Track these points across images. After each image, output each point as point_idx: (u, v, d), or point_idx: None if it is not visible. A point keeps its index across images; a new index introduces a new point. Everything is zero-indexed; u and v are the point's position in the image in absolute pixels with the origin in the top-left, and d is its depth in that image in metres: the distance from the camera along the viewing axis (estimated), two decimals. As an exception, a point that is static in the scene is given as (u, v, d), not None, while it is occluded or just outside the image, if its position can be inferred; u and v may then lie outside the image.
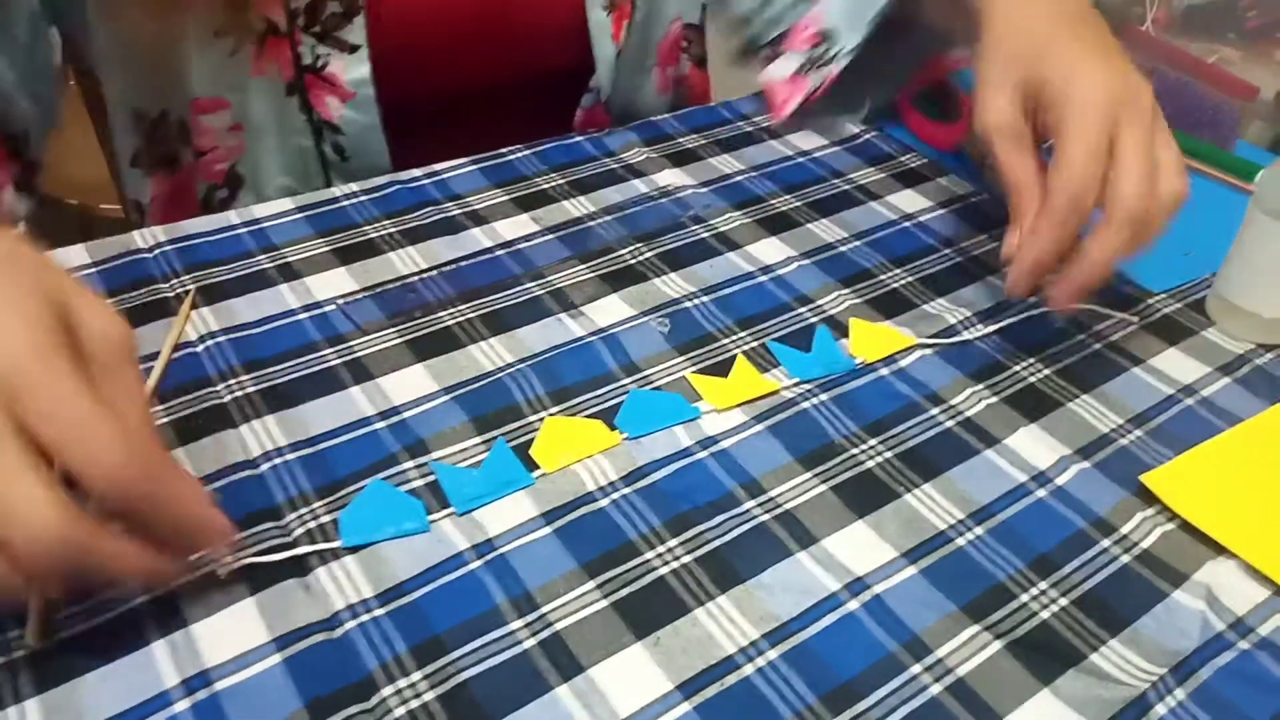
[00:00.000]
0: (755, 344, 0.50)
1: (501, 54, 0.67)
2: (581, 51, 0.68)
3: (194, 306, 0.51)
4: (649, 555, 0.40)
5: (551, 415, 0.45)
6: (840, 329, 0.52)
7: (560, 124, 0.69)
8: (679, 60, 0.77)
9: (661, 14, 0.73)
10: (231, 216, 0.57)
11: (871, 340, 0.51)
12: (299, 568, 0.38)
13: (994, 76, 0.50)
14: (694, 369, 0.49)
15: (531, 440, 0.44)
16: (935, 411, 0.47)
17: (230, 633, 0.36)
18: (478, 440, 0.44)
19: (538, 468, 0.43)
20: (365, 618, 0.37)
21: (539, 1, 0.67)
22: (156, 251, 0.54)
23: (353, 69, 0.61)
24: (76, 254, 0.54)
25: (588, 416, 0.46)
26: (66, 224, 1.34)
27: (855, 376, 0.49)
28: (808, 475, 0.44)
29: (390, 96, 0.63)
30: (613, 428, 0.45)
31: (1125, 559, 0.41)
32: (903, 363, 0.50)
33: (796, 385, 0.48)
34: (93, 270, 0.53)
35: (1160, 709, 0.36)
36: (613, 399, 0.47)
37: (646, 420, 0.45)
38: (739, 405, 0.47)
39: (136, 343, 0.34)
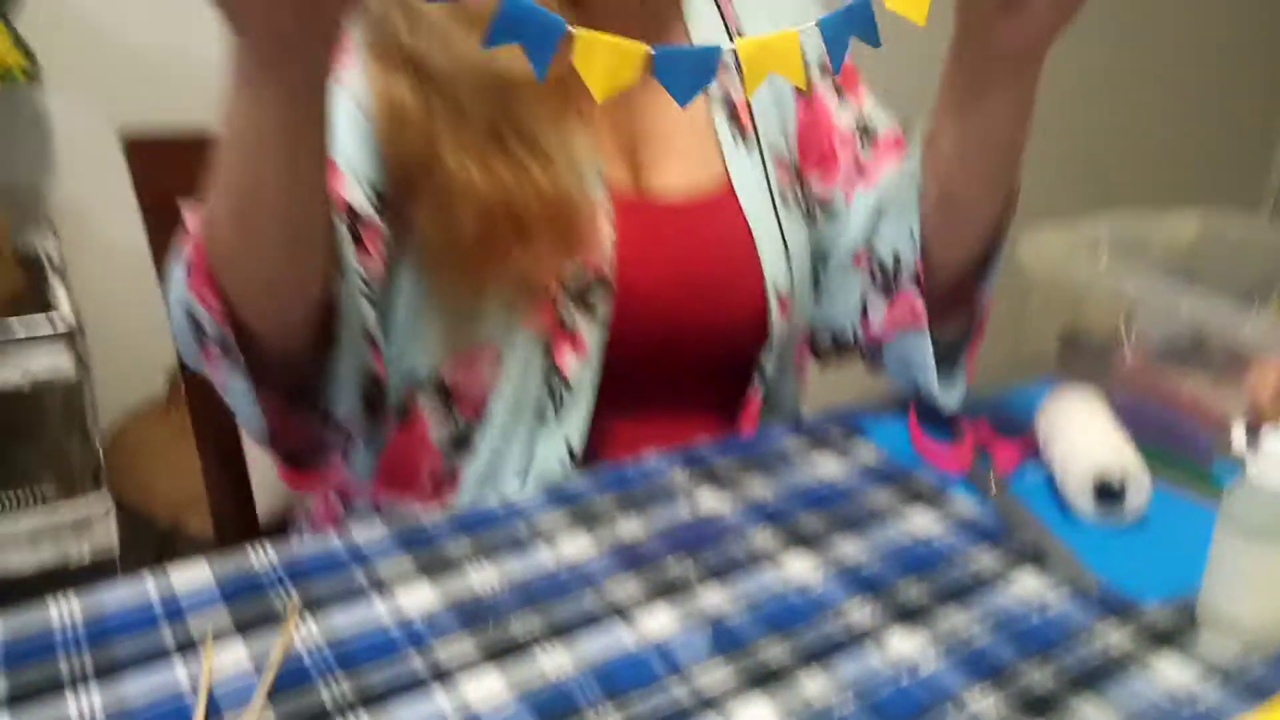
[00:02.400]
0: (793, 652, 0.57)
1: (701, 329, 0.81)
2: (757, 334, 0.83)
3: (299, 616, 0.59)
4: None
5: None
6: (865, 636, 0.58)
7: (724, 407, 0.84)
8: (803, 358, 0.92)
9: (804, 312, 0.88)
10: (334, 540, 0.66)
11: None
12: None
13: None
14: (737, 678, 0.55)
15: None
16: (953, 714, 0.53)
17: None
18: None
19: None
20: None
21: (731, 290, 0.82)
22: (268, 569, 0.63)
23: (592, 332, 0.76)
24: (199, 570, 0.62)
25: None
26: (148, 537, 1.44)
27: (881, 685, 0.55)
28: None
29: (609, 358, 0.77)
30: None
31: None
32: (921, 671, 0.56)
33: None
34: (213, 584, 0.61)
35: None
36: (666, 706, 0.53)
37: None
38: None
39: None
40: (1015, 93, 0.70)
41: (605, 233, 0.76)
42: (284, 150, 0.55)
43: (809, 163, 0.89)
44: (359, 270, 0.68)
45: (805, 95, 0.88)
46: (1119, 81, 2.29)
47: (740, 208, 0.82)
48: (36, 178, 1.49)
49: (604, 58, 0.53)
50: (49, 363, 1.20)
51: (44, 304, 1.28)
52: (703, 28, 0.85)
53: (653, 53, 0.54)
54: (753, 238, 0.82)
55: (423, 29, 0.70)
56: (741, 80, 0.83)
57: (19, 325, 1.21)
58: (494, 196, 0.70)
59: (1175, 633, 0.60)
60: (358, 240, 0.69)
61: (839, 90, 0.89)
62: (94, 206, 1.51)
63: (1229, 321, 0.88)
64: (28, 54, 1.30)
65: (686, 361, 0.83)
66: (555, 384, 0.77)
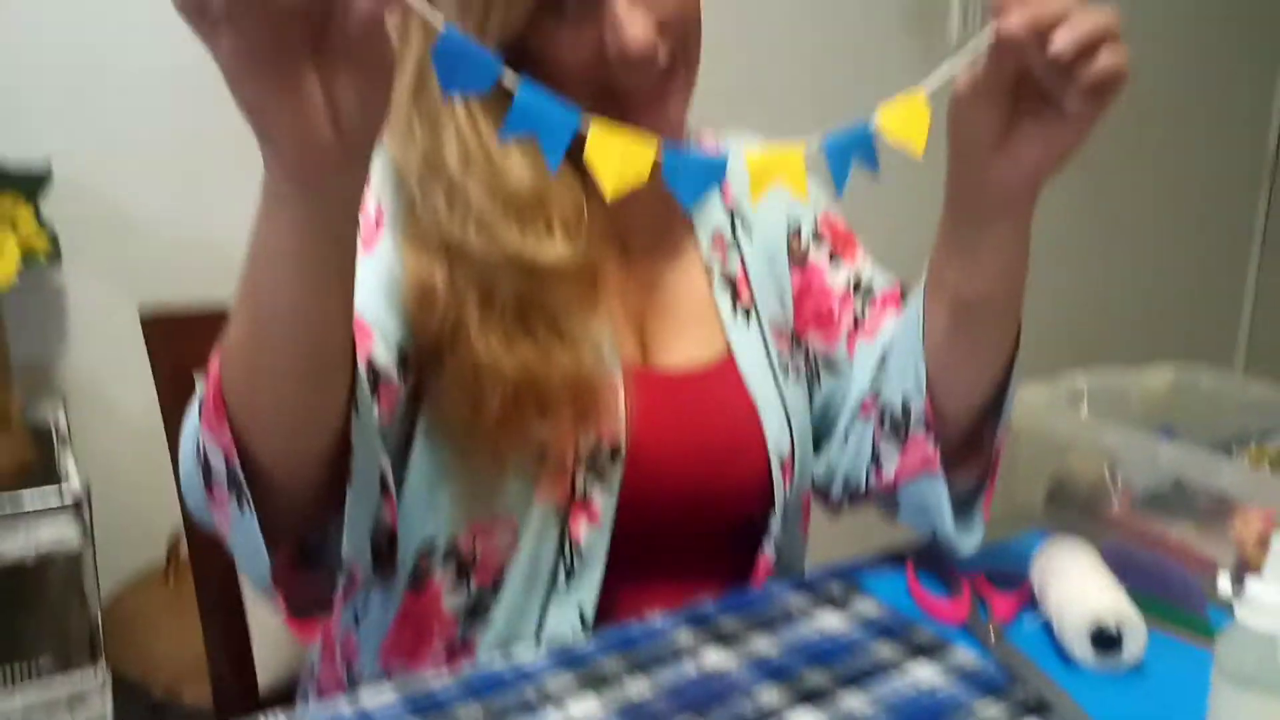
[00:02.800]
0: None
1: (707, 496, 0.84)
2: (760, 499, 0.85)
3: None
4: None
5: None
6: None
7: (733, 570, 0.86)
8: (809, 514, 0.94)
9: (806, 476, 0.91)
10: (343, 706, 0.67)
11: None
12: None
13: None
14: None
15: None
16: None
17: None
18: None
19: None
20: None
21: (735, 458, 0.84)
22: (281, 738, 0.63)
23: (605, 501, 0.78)
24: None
25: None
26: (141, 712, 1.42)
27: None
28: None
29: (620, 524, 0.79)
30: None
31: None
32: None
33: None
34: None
35: None
36: None
37: None
38: None
39: None
40: (1011, 228, 0.72)
41: (619, 404, 0.79)
42: (307, 272, 0.55)
43: (808, 324, 0.93)
44: (376, 418, 0.67)
45: (800, 264, 0.93)
46: (1091, 242, 2.39)
47: (742, 379, 0.86)
48: (52, 352, 1.54)
49: (617, 154, 0.56)
50: (55, 534, 1.22)
51: (52, 475, 1.30)
52: (704, 212, 0.90)
53: (663, 154, 0.57)
54: (755, 407, 0.85)
55: (459, 211, 0.73)
56: (740, 251, 0.89)
57: (29, 497, 1.23)
58: (518, 376, 0.73)
59: (1181, 782, 0.61)
60: (376, 392, 0.69)
61: (834, 256, 0.94)
62: (105, 378, 1.55)
63: (1208, 470, 0.91)
64: (51, 237, 1.37)
65: (695, 527, 0.85)
66: (569, 552, 0.79)
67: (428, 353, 0.75)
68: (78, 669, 1.28)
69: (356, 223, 0.57)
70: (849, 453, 0.90)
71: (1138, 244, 2.49)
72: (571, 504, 0.78)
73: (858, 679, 0.71)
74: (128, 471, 1.45)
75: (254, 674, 0.98)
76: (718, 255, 0.89)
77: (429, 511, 0.79)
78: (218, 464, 0.59)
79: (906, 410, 0.81)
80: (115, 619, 1.46)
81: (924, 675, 0.72)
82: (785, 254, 0.93)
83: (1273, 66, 2.63)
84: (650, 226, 0.87)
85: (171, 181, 1.55)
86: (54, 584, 1.31)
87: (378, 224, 0.77)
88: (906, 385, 0.80)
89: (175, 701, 1.35)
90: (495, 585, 0.79)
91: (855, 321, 0.91)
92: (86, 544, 1.25)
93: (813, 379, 0.93)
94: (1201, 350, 2.55)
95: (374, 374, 0.69)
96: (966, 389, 0.79)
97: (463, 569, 0.80)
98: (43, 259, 1.35)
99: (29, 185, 1.37)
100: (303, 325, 0.56)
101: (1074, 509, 1.01)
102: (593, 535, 0.79)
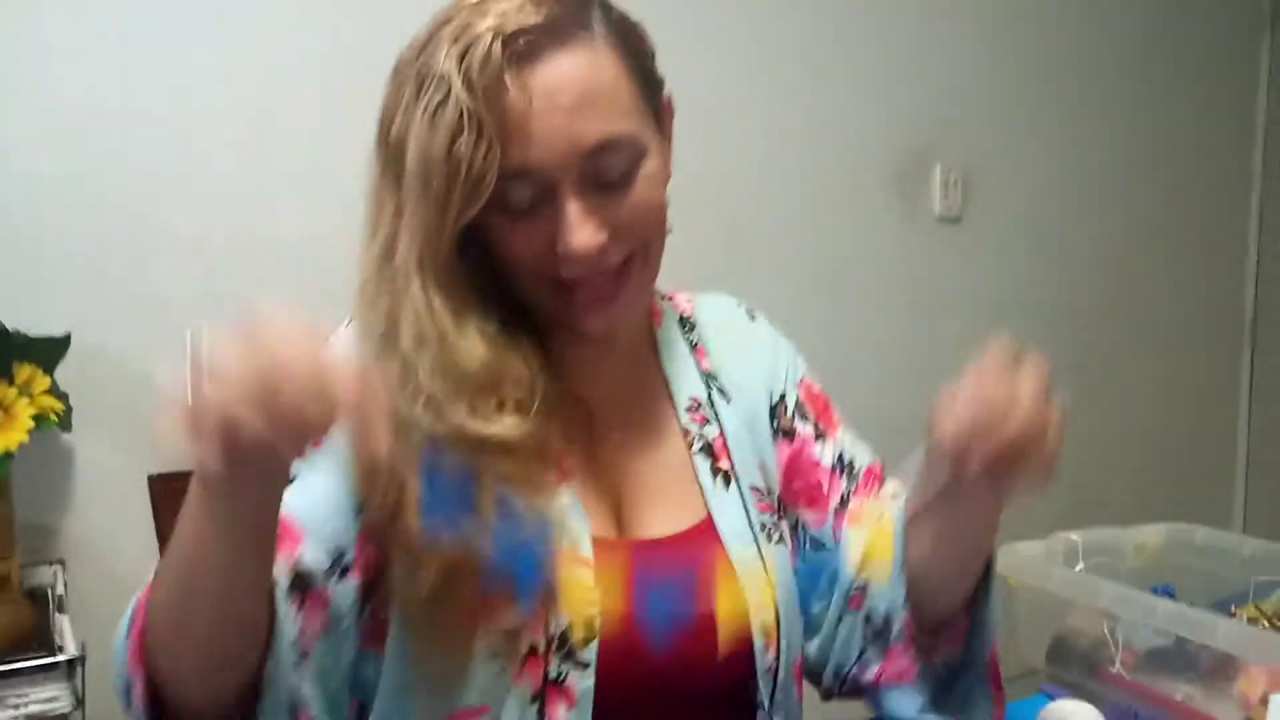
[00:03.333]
0: None
1: (691, 675, 0.81)
2: (748, 672, 0.83)
3: None
4: None
5: None
6: None
7: None
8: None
9: (795, 642, 0.88)
10: None
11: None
12: None
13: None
14: None
15: None
16: None
17: None
18: None
19: None
20: None
21: (719, 621, 0.82)
22: None
23: (582, 682, 0.75)
24: None
25: None
26: None
27: None
28: None
29: (599, 701, 0.76)
30: None
31: None
32: None
33: None
34: None
35: None
36: None
37: None
38: None
39: None
40: (985, 507, 0.78)
41: (588, 583, 0.77)
42: (226, 564, 0.62)
43: (798, 499, 0.93)
44: (292, 639, 0.70)
45: (788, 437, 0.93)
46: (1082, 403, 2.42)
47: (722, 542, 0.84)
48: (56, 515, 1.55)
49: None
50: (47, 698, 1.20)
51: (47, 640, 1.28)
52: (680, 379, 0.91)
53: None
54: (735, 571, 0.83)
55: (410, 387, 0.72)
56: (718, 417, 0.90)
57: (23, 663, 1.22)
58: (456, 552, 0.71)
59: None
60: (303, 600, 0.71)
61: (819, 432, 0.95)
62: (105, 541, 1.55)
63: (1206, 629, 0.91)
64: (64, 402, 1.40)
65: (682, 696, 0.83)
66: None
67: (379, 530, 0.74)
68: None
69: (271, 524, 0.65)
70: (839, 643, 0.90)
71: (1128, 406, 2.54)
72: (547, 688, 0.76)
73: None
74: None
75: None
76: (695, 421, 0.89)
77: (406, 701, 0.77)
78: (134, 697, 0.66)
79: (889, 621, 0.85)
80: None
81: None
82: (768, 422, 0.93)
83: (1243, 233, 2.74)
84: (622, 399, 0.87)
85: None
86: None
87: None
88: (892, 604, 0.85)
89: None
90: None
91: (843, 500, 0.93)
92: (77, 709, 1.23)
93: (801, 548, 0.93)
94: (1198, 512, 2.55)
95: (301, 580, 0.72)
96: (947, 594, 0.84)
97: None
98: (54, 422, 1.38)
99: (48, 354, 1.41)
100: (227, 592, 0.64)
101: (1076, 667, 1.01)
102: (571, 717, 0.76)
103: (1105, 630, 0.99)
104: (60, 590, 1.42)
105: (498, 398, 0.74)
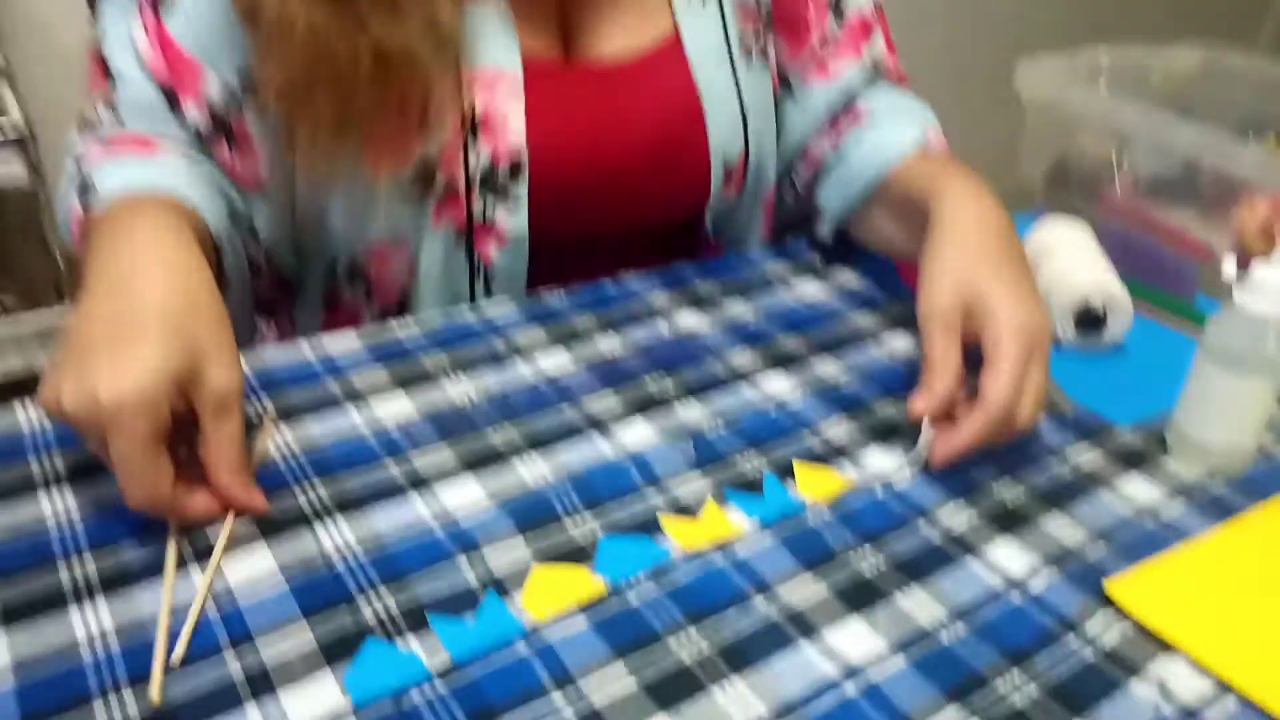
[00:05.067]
0: (766, 463, 0.58)
1: (635, 204, 0.77)
2: (701, 201, 0.79)
3: (275, 424, 0.58)
4: (673, 643, 0.46)
5: (539, 563, 0.51)
6: (841, 452, 0.59)
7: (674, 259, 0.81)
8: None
9: (765, 176, 0.83)
10: (305, 348, 0.65)
11: (815, 481, 0.57)
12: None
13: (938, 272, 0.62)
14: (712, 484, 0.56)
15: (564, 546, 0.51)
16: (923, 525, 0.54)
17: (313, 699, 0.42)
18: (523, 543, 0.51)
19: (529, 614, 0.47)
20: (429, 691, 0.43)
21: (671, 162, 0.76)
22: (241, 377, 0.62)
23: (513, 219, 0.71)
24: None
25: (615, 525, 0.52)
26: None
27: (854, 494, 0.56)
28: (811, 578, 0.50)
29: (535, 240, 0.72)
30: (596, 573, 0.49)
31: (1088, 654, 0.47)
32: (897, 488, 0.57)
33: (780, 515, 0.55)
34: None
35: (1118, 782, 0.41)
36: (641, 508, 0.53)
37: (623, 565, 0.50)
38: (707, 545, 0.53)
39: (241, 395, 0.51)
40: None
41: (515, 111, 0.69)
42: None
43: (781, 25, 0.82)
44: (222, 175, 0.67)
45: None
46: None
47: (688, 65, 0.75)
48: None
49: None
50: (2, 170, 1.15)
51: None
52: None
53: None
54: (699, 97, 0.75)
55: None
56: None
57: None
58: (306, 43, 0.61)
59: (1145, 454, 0.61)
60: (229, 138, 0.67)
61: None
62: (47, 16, 1.43)
63: (1224, 154, 0.86)
64: None
65: (621, 238, 0.78)
66: (483, 272, 0.73)
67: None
68: (45, 308, 1.27)
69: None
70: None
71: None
72: (475, 228, 0.71)
73: (833, 346, 0.70)
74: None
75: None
76: None
77: (321, 230, 0.72)
78: None
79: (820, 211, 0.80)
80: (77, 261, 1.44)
81: (901, 346, 0.71)
82: None
83: None
84: None
85: None
86: (9, 223, 1.27)
87: None
88: (830, 205, 0.79)
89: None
90: (401, 307, 0.74)
91: (822, 41, 0.81)
92: (39, 183, 1.20)
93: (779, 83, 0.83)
94: (1226, 30, 2.39)
95: (214, 120, 0.66)
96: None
97: (367, 290, 0.74)
98: None
99: None
100: None
101: (1074, 190, 0.97)
102: (504, 256, 0.72)
103: (1112, 154, 0.94)
104: (1, 62, 1.32)
105: None
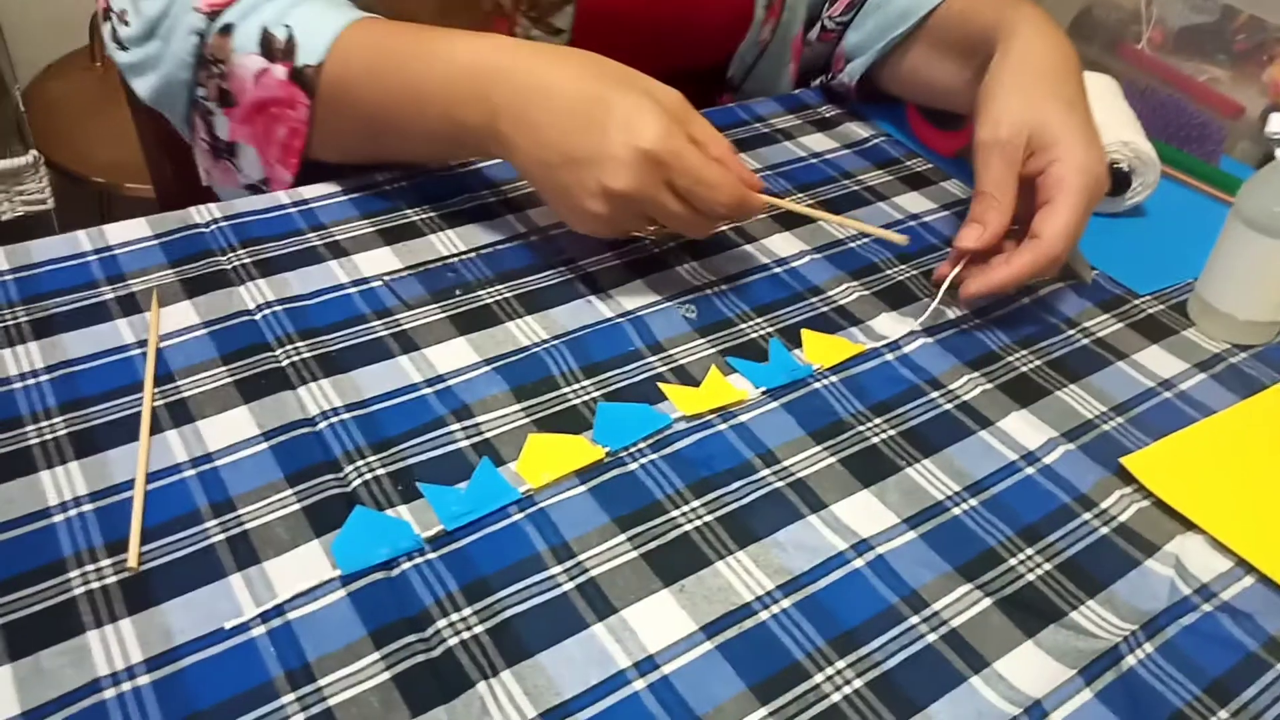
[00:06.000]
0: (771, 329, 0.55)
1: (677, 46, 0.73)
2: (738, 38, 0.75)
3: (159, 302, 0.54)
4: (674, 514, 0.44)
5: (535, 433, 0.48)
6: (850, 319, 0.56)
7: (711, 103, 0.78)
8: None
9: (796, 16, 0.79)
10: (281, 196, 0.61)
11: (823, 349, 0.54)
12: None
13: (1003, 98, 0.57)
14: (715, 350, 0.53)
15: (561, 412, 0.48)
16: (935, 395, 0.52)
17: (299, 569, 0.40)
18: (517, 408, 0.48)
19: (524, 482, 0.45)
20: (419, 560, 0.41)
21: (713, 3, 0.73)
22: (213, 227, 0.58)
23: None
24: (137, 227, 0.57)
25: (614, 392, 0.50)
26: (87, 201, 1.37)
27: (863, 361, 0.53)
28: (818, 448, 0.48)
29: None
30: (594, 442, 0.47)
31: (1104, 530, 0.45)
32: (906, 349, 0.54)
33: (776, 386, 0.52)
34: (154, 242, 0.56)
35: (1130, 660, 0.40)
36: (640, 375, 0.51)
37: (622, 432, 0.47)
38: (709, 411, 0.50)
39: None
40: None
41: None
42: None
43: None
44: None
45: None
46: None
47: None
48: None
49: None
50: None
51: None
52: None
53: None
54: None
55: None
56: None
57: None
58: None
59: (1166, 325, 0.59)
60: None
61: None
62: None
63: (1264, 5, 0.80)
64: None
65: (656, 73, 0.74)
66: None
67: None
68: (9, 156, 1.20)
69: None
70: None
71: None
72: None
73: (843, 207, 0.66)
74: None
75: (194, 169, 0.91)
76: None
77: None
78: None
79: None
80: (43, 107, 1.36)
81: (914, 202, 0.67)
82: None
83: None
84: None
85: None
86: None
87: None
88: (866, 44, 0.75)
89: (116, 191, 1.29)
90: None
91: None
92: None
93: None
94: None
95: None
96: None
97: None
98: None
99: None
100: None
101: (1099, 42, 0.91)
102: None
103: (1142, 2, 0.88)
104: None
105: None
